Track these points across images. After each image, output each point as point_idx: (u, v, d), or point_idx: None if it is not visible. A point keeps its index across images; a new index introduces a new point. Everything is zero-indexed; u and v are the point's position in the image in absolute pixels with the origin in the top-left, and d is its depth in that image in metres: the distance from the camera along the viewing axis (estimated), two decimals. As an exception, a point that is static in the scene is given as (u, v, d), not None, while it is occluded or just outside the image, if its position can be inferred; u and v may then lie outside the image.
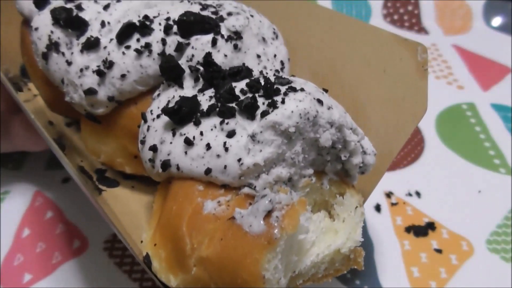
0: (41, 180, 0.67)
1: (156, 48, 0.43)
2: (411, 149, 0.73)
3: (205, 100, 0.39)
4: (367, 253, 0.58)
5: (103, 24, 0.45)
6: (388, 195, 0.66)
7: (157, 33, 0.44)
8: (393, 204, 0.64)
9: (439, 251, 0.58)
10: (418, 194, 0.66)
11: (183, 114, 0.37)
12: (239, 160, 0.35)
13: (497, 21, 1.00)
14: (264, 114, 0.35)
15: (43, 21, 0.48)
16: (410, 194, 0.66)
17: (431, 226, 0.61)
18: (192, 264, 0.35)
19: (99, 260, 0.57)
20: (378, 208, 0.64)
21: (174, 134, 0.38)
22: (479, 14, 1.01)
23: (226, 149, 0.35)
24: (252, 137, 0.35)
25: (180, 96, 0.40)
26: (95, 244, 0.59)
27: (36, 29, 0.48)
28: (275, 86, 0.37)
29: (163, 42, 0.43)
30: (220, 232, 0.34)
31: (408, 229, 0.61)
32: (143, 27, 0.44)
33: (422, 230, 0.61)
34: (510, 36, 0.97)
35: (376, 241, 0.60)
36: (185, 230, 0.35)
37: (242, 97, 0.37)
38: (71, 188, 0.66)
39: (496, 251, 0.59)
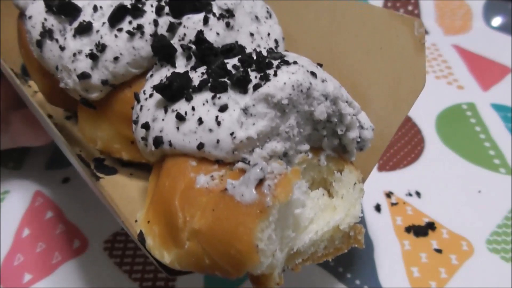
0: (41, 180, 0.67)
1: (149, 29, 0.43)
2: (411, 149, 0.73)
3: (197, 76, 0.38)
4: (367, 253, 0.58)
5: (95, 8, 0.46)
6: (388, 195, 0.66)
7: (149, 15, 0.44)
8: (393, 204, 0.64)
9: (439, 251, 0.58)
10: (418, 194, 0.66)
11: (174, 89, 0.37)
12: (232, 133, 0.34)
13: (497, 21, 1.00)
14: (256, 87, 0.35)
15: (36, 9, 0.48)
16: (410, 194, 0.66)
17: (431, 226, 0.61)
18: (185, 238, 0.35)
19: (99, 260, 0.57)
20: (378, 208, 0.64)
21: (166, 111, 0.38)
22: (479, 14, 1.01)
23: (219, 123, 0.35)
24: (245, 110, 0.34)
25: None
26: (95, 244, 0.59)
27: (30, 17, 0.48)
28: (267, 60, 0.37)
29: (155, 23, 0.43)
30: (212, 204, 0.34)
31: (408, 229, 0.61)
32: (135, 9, 0.44)
33: (422, 230, 0.61)
34: (510, 36, 0.97)
35: (376, 241, 0.60)
36: (178, 204, 0.35)
37: (234, 72, 0.37)
38: (71, 188, 0.66)
39: (496, 251, 0.59)
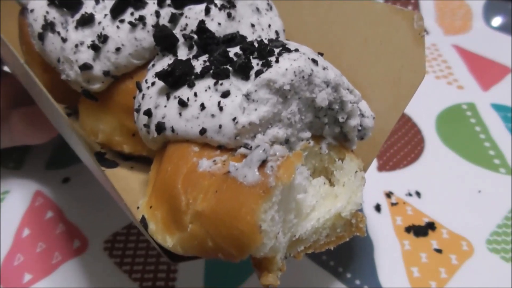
0: (41, 180, 0.67)
1: (150, 20, 0.44)
2: (411, 149, 0.73)
3: (199, 64, 0.39)
4: (367, 253, 0.58)
5: (97, 0, 0.46)
6: (388, 195, 0.66)
7: (151, 6, 0.44)
8: (393, 204, 0.64)
9: (439, 251, 0.58)
10: (418, 194, 0.66)
11: (176, 76, 0.38)
12: (234, 119, 0.35)
13: (497, 21, 1.00)
14: (258, 73, 0.35)
15: (38, 2, 0.49)
16: (410, 194, 0.66)
17: (431, 226, 0.61)
18: (188, 221, 0.35)
19: (99, 260, 0.57)
20: (378, 208, 0.64)
21: (168, 98, 0.38)
22: (479, 14, 1.01)
23: (221, 109, 0.35)
24: (247, 96, 0.35)
25: None
26: (95, 244, 0.59)
27: (32, 10, 0.49)
28: (269, 48, 0.37)
29: (157, 14, 0.44)
30: (215, 186, 0.34)
31: (408, 229, 0.61)
32: (137, 0, 0.44)
33: (422, 230, 0.61)
34: (510, 36, 0.96)
35: (376, 241, 0.60)
36: (180, 187, 0.35)
37: (236, 59, 0.37)
38: (71, 188, 0.66)
39: (496, 251, 0.59)
